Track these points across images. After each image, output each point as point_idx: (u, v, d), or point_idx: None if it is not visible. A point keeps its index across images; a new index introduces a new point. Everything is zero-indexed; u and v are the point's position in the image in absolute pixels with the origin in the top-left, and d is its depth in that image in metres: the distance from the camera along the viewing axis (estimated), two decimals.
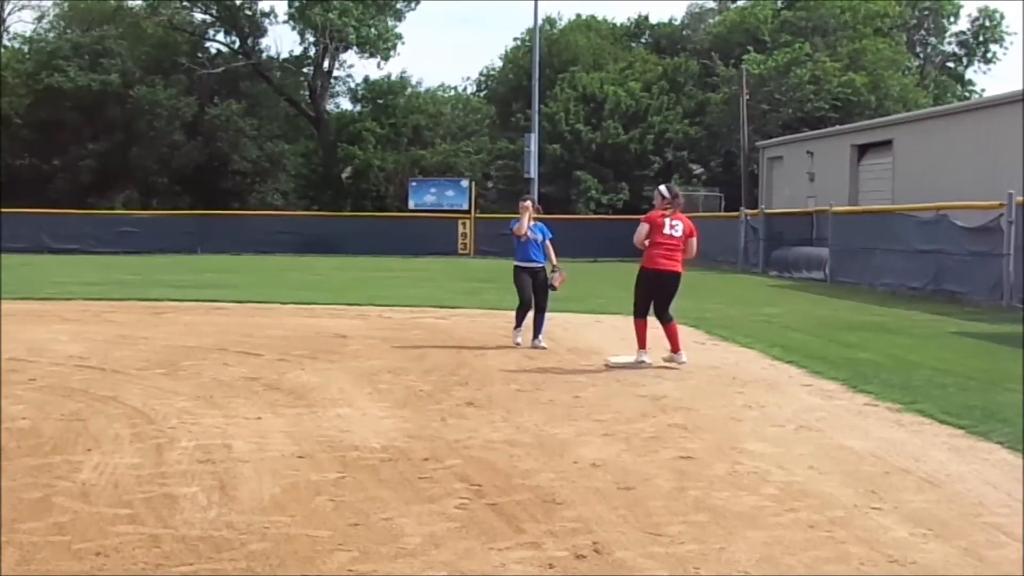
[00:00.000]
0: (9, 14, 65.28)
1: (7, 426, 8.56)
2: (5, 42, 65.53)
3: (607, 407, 9.80)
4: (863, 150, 41.15)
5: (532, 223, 14.56)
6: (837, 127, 46.79)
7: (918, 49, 69.62)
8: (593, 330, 16.59)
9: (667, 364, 12.32)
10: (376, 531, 5.89)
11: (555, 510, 6.32)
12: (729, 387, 11.05)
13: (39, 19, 66.73)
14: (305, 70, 63.25)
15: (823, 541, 5.79)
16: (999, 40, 68.92)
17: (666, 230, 12.40)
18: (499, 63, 69.90)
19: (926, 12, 68.02)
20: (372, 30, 59.73)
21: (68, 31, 62.35)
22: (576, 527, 5.98)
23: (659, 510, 6.35)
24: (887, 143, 39.07)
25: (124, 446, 7.95)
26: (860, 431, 8.80)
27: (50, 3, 66.08)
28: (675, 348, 12.48)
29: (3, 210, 46.79)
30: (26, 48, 61.40)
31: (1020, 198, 22.04)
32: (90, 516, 6.11)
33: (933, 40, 70.78)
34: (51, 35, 62.82)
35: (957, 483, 7.11)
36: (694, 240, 12.66)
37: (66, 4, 64.39)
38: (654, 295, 12.53)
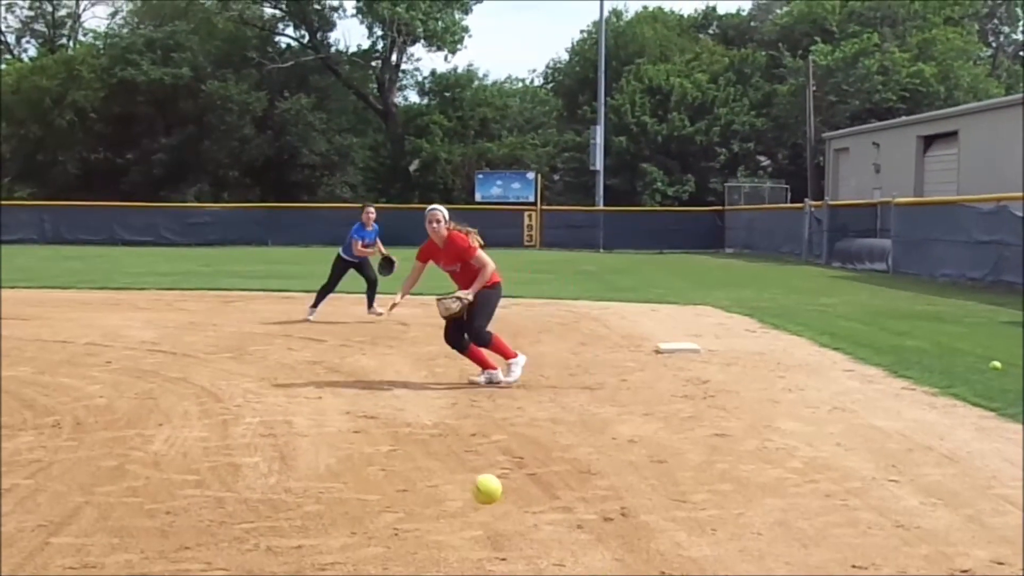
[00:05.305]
0: (84, 11, 66.70)
1: (85, 403, 9.15)
2: (80, 37, 67.06)
3: (651, 389, 10.20)
4: (929, 141, 41.02)
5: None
6: (903, 118, 46.62)
7: (990, 38, 68.93)
8: (648, 318, 16.92)
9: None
10: (421, 496, 6.37)
11: (589, 479, 6.76)
12: (772, 372, 11.36)
13: (113, 15, 68.26)
14: (373, 64, 64.04)
15: (836, 508, 6.18)
16: None
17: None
18: (566, 55, 70.25)
19: (999, 1, 67.31)
20: (439, 23, 60.41)
21: (141, 27, 63.58)
22: (607, 494, 6.42)
23: (687, 480, 6.77)
24: (953, 134, 38.95)
25: (193, 421, 8.51)
26: (892, 412, 9.10)
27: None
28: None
29: (78, 203, 48.20)
30: (100, 44, 62.74)
31: None
32: (161, 481, 6.65)
33: (1006, 29, 70.11)
34: (124, 31, 64.14)
35: (976, 459, 7.43)
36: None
37: (139, 0, 65.70)
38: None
